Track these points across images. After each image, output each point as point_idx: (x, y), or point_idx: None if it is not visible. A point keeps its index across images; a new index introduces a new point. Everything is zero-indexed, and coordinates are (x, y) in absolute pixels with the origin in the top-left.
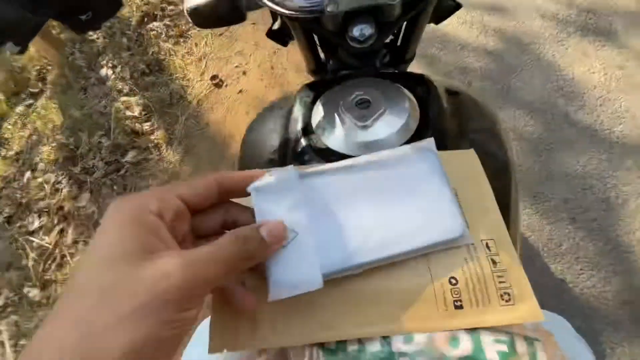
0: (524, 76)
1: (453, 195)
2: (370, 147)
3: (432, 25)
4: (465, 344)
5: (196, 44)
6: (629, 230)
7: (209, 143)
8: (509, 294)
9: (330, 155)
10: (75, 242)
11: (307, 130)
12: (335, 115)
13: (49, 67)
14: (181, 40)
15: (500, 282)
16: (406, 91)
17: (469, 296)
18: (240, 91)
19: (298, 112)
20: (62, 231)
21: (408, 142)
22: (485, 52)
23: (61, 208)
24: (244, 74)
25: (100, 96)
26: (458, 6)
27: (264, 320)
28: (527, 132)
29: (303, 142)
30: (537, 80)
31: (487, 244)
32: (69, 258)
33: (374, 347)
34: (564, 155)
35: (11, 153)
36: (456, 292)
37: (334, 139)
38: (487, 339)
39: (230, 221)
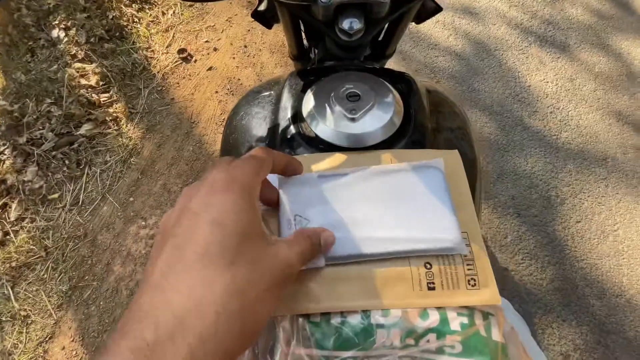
0: (486, 79)
1: (454, 209)
2: (357, 139)
3: (412, 24)
4: (433, 317)
5: (163, 13)
6: (564, 226)
7: (173, 120)
8: (475, 280)
9: (319, 144)
10: (20, 218)
11: (296, 118)
12: (326, 105)
13: None
14: (146, 6)
15: (468, 270)
16: (391, 87)
17: (441, 280)
18: (210, 68)
19: (288, 99)
20: (4, 206)
21: (392, 137)
22: (453, 54)
23: (3, 181)
24: (215, 51)
25: (51, 60)
26: (438, 8)
27: None
28: (485, 133)
29: (292, 129)
30: (498, 84)
31: (462, 234)
32: (12, 236)
33: (355, 320)
34: (515, 157)
35: None
36: (430, 276)
37: (324, 128)
38: (451, 313)
39: (262, 197)
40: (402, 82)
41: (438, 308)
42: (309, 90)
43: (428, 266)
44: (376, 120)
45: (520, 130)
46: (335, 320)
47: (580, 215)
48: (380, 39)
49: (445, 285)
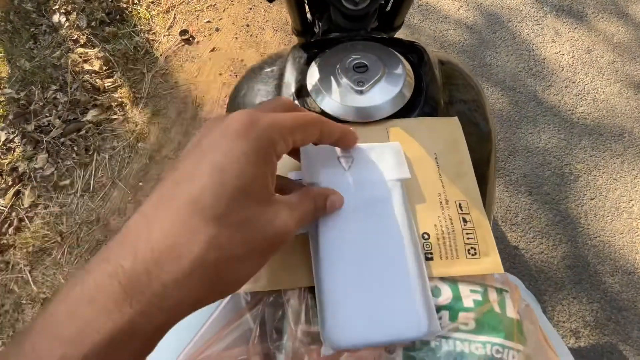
0: (499, 53)
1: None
2: (364, 112)
3: None
4: (446, 294)
5: None
6: (577, 203)
7: (178, 104)
8: (475, 249)
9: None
10: (33, 205)
11: (301, 92)
12: (332, 78)
13: None
14: None
15: (468, 239)
16: (402, 58)
17: (439, 249)
18: (213, 49)
19: (291, 73)
20: (17, 193)
21: (402, 110)
22: (464, 26)
23: (15, 169)
24: (217, 31)
25: (53, 46)
26: None
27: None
28: (497, 109)
29: (297, 104)
30: (511, 58)
31: (459, 204)
32: (27, 222)
33: None
34: (527, 133)
35: None
36: (427, 246)
37: (329, 102)
38: (464, 289)
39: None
40: (413, 52)
41: (450, 283)
42: (313, 63)
43: (426, 236)
44: (385, 92)
45: (534, 106)
46: None
47: (594, 192)
48: (387, 9)
49: (443, 255)
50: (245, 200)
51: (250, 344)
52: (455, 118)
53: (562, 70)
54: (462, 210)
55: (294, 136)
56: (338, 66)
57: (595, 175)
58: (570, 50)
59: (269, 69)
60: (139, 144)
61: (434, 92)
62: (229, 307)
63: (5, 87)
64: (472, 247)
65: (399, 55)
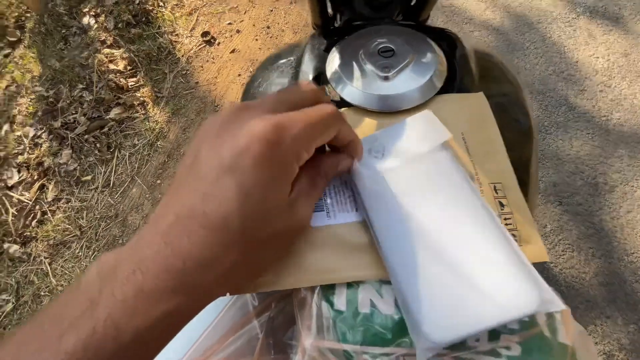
0: (527, 55)
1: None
2: (390, 101)
3: None
4: None
5: None
6: (613, 216)
7: (198, 104)
8: (514, 235)
9: (343, 107)
10: (56, 199)
11: (319, 80)
12: (354, 64)
13: (28, 15)
14: None
15: (506, 224)
16: (433, 44)
17: None
18: (233, 50)
19: (309, 60)
20: (42, 187)
21: (432, 100)
22: (490, 28)
23: (41, 164)
24: (238, 33)
25: (82, 47)
26: None
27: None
28: None
29: (318, 88)
30: (540, 61)
31: (494, 186)
32: (49, 215)
33: (388, 310)
34: (558, 139)
35: None
36: None
37: (351, 90)
38: None
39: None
40: (445, 39)
41: None
42: (333, 49)
43: None
44: (413, 80)
45: (565, 111)
46: (364, 310)
47: (632, 205)
48: (412, 2)
49: None
50: (268, 217)
51: (255, 354)
52: (481, 93)
53: (596, 74)
54: (497, 193)
55: (317, 143)
56: (361, 51)
57: (633, 186)
58: (605, 53)
59: (285, 60)
60: (159, 142)
61: (468, 83)
62: (235, 310)
63: (36, 85)
64: (511, 234)
65: (429, 40)
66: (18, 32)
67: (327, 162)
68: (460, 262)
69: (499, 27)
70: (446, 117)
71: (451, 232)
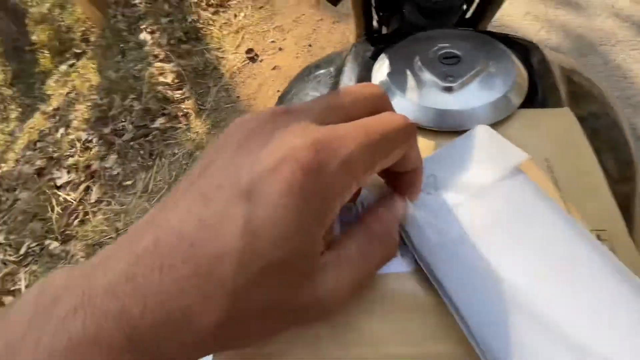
0: None
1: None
2: (452, 117)
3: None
4: None
5: (235, 15)
6: None
7: (237, 117)
8: None
9: None
10: (98, 201)
11: None
12: (408, 72)
13: (92, 29)
14: (221, 10)
15: None
16: (511, 53)
17: None
18: (275, 67)
19: (352, 69)
20: (87, 189)
21: (506, 120)
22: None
23: (89, 166)
24: (280, 50)
25: (137, 60)
26: None
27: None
28: None
29: (385, 93)
30: (603, 85)
31: (598, 235)
32: (90, 216)
33: None
34: None
35: (50, 109)
36: None
37: (403, 103)
38: None
39: None
40: (525, 50)
41: None
42: (382, 55)
43: None
44: (483, 93)
45: (634, 140)
46: None
47: None
48: (469, 14)
49: None
50: (278, 280)
51: None
52: (567, 109)
53: None
54: (603, 242)
55: (376, 169)
56: (417, 57)
57: None
58: None
59: (324, 69)
60: (197, 152)
61: (554, 103)
62: None
63: (93, 94)
64: None
65: (504, 47)
66: (83, 45)
67: (386, 224)
68: (579, 333)
69: (555, 48)
70: (521, 137)
71: (561, 291)
